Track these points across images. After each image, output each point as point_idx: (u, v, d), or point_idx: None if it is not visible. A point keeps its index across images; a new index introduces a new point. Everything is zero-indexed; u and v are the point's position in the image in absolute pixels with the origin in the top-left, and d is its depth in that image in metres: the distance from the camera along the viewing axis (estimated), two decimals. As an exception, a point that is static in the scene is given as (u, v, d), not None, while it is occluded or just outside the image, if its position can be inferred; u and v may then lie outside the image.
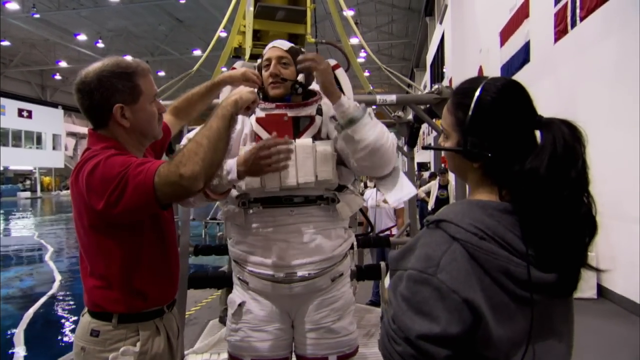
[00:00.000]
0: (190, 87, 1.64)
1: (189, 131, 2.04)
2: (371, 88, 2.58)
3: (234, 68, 1.83)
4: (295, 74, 1.52)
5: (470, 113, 0.76)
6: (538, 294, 0.70)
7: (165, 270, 1.25)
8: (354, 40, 18.81)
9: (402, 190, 1.52)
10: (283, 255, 1.42)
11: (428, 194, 7.66)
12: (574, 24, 5.33)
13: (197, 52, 19.56)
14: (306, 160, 1.40)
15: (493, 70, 8.13)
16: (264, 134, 1.46)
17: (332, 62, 1.99)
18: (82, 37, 19.24)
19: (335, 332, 1.48)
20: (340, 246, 1.52)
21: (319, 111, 1.52)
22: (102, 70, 1.16)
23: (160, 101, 1.33)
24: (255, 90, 1.55)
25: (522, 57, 7.08)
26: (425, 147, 1.19)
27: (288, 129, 1.45)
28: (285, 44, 1.54)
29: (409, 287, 0.70)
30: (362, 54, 20.61)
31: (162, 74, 23.21)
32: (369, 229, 2.62)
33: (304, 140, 1.43)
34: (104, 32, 19.26)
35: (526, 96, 0.77)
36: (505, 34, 7.84)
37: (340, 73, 1.93)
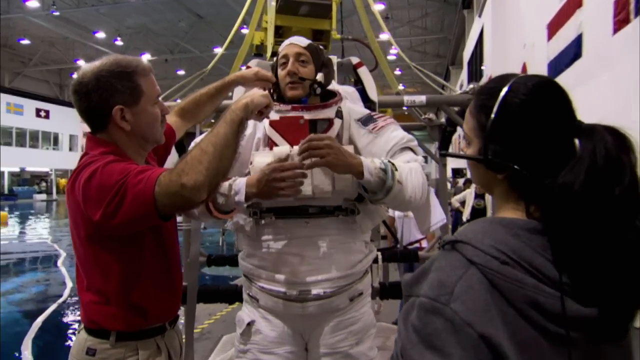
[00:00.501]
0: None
1: (201, 132, 2.05)
2: (400, 88, 2.53)
3: (249, 67, 1.84)
4: (314, 72, 1.50)
5: (492, 116, 0.71)
6: (576, 331, 0.63)
7: (167, 285, 1.25)
8: (384, 36, 18.88)
9: (433, 217, 1.49)
10: (296, 270, 1.40)
11: (463, 203, 7.48)
12: (638, 12, 5.07)
13: (218, 50, 19.91)
14: (323, 168, 1.37)
15: (539, 67, 7.88)
16: (278, 138, 1.45)
17: (355, 60, 1.98)
18: (100, 35, 20.00)
19: (353, 358, 1.44)
20: (360, 262, 1.49)
21: (339, 114, 1.50)
22: (101, 69, 1.16)
23: (165, 103, 1.34)
24: (270, 90, 1.54)
25: (573, 51, 6.82)
26: (443, 154, 1.15)
27: (304, 133, 1.43)
28: (304, 41, 1.53)
29: (420, 316, 0.66)
30: (393, 51, 20.55)
31: (181, 72, 23.80)
32: (395, 243, 2.57)
33: None
34: (123, 29, 19.95)
35: (563, 98, 0.72)
36: (554, 27, 7.59)
37: (363, 72, 1.91)
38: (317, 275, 1.40)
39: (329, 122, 1.46)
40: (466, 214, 7.15)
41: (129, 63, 1.19)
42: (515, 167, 0.70)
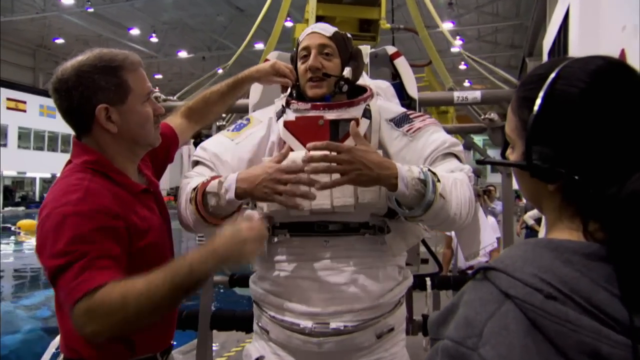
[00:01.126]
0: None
1: (219, 128, 2.05)
2: (452, 83, 2.42)
3: (268, 61, 1.82)
4: (340, 67, 1.44)
5: (535, 111, 0.63)
6: None
7: None
8: (447, 25, 18.54)
9: (481, 242, 1.39)
10: (312, 299, 1.34)
11: (538, 220, 7.12)
12: None
13: (260, 46, 20.47)
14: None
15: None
16: (294, 142, 1.40)
17: (391, 49, 1.91)
18: (135, 32, 21.13)
19: None
20: (391, 291, 1.41)
21: (367, 113, 1.43)
22: (82, 64, 1.15)
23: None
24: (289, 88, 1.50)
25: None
26: (479, 162, 1.06)
27: (323, 136, 1.37)
28: (329, 29, 1.47)
29: None
30: (457, 42, 20.12)
31: (220, 71, 24.61)
32: (438, 269, 2.44)
33: None
34: (158, 25, 20.96)
35: (634, 84, 0.62)
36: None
37: (401, 63, 1.83)
38: (337, 305, 1.33)
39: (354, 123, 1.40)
40: (542, 233, 6.79)
41: (114, 56, 1.18)
42: (570, 173, 0.61)
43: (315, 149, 1.17)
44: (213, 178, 1.32)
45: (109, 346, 1.13)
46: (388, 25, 4.82)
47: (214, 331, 2.57)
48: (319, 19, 5.25)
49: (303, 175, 1.22)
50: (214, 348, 4.13)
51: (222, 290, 7.21)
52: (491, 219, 4.51)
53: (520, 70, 19.91)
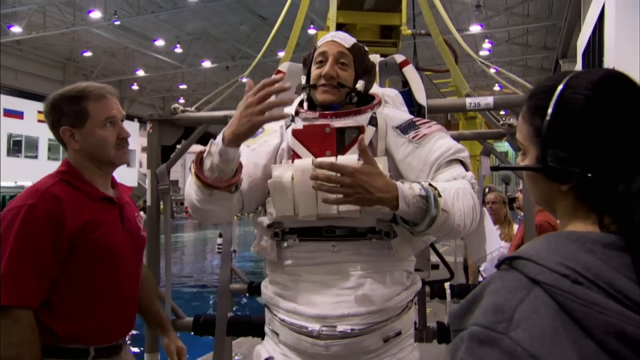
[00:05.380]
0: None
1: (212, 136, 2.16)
2: (468, 89, 2.46)
3: (279, 71, 1.90)
4: (353, 79, 1.50)
5: (548, 117, 0.71)
6: None
7: (88, 307, 1.47)
8: (475, 28, 18.33)
9: (488, 246, 1.44)
10: (320, 302, 1.40)
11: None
12: None
13: (282, 54, 20.67)
14: None
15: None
16: (301, 150, 1.47)
17: (400, 58, 1.97)
18: (160, 43, 21.70)
19: None
20: (398, 295, 1.45)
21: (373, 121, 1.49)
22: (57, 94, 1.52)
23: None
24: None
25: None
26: (494, 168, 1.12)
27: (330, 144, 1.44)
28: (349, 39, 1.53)
29: (472, 350, 0.63)
30: (486, 45, 19.85)
31: (245, 79, 24.91)
32: (450, 276, 2.45)
33: (348, 158, 1.40)
34: (183, 35, 21.49)
35: (634, 90, 0.72)
36: None
37: (409, 70, 1.89)
38: (344, 309, 1.38)
39: (360, 130, 1.46)
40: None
41: (84, 88, 1.52)
42: (584, 172, 0.69)
43: (320, 167, 1.23)
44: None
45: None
46: (409, 31, 4.85)
47: (236, 341, 2.64)
48: (340, 26, 5.31)
49: (272, 87, 1.25)
50: (235, 358, 4.20)
51: (245, 301, 7.32)
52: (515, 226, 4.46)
53: (554, 72, 19.48)
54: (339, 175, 1.21)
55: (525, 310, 0.61)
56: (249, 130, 1.26)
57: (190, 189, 1.38)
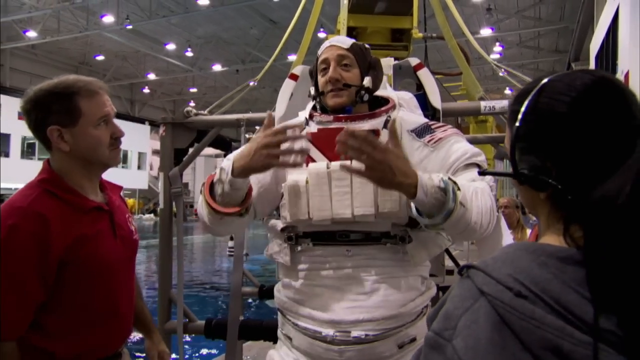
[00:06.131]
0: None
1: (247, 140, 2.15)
2: (482, 92, 2.44)
3: (293, 74, 1.90)
4: (360, 77, 1.50)
5: (517, 123, 0.69)
6: None
7: (86, 322, 1.36)
8: (486, 32, 18.26)
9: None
10: (334, 307, 1.39)
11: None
12: None
13: (293, 57, 20.70)
14: (364, 187, 1.36)
15: None
16: (316, 154, 1.46)
17: (414, 61, 1.95)
18: (171, 47, 21.88)
19: None
20: (413, 301, 1.44)
21: (388, 124, 1.48)
22: (41, 89, 1.33)
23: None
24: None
25: None
26: (481, 173, 1.11)
27: None
28: (346, 41, 1.53)
29: (425, 353, 0.65)
30: (497, 48, 19.74)
31: (252, 83, 25.06)
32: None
33: None
34: (194, 39, 21.64)
35: (617, 95, 0.67)
36: None
37: (423, 74, 1.88)
38: (358, 314, 1.37)
39: (375, 134, 1.45)
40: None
41: (71, 84, 1.34)
42: (551, 181, 0.66)
43: (353, 136, 1.14)
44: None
45: (28, 353, 1.27)
46: (420, 35, 4.82)
47: (246, 344, 2.64)
48: (350, 29, 5.31)
49: (292, 132, 1.25)
50: (245, 361, 4.20)
51: (255, 303, 7.32)
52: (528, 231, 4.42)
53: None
54: (369, 147, 1.14)
55: (468, 320, 0.62)
56: (261, 168, 1.27)
57: (202, 209, 1.40)
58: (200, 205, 1.40)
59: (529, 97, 0.70)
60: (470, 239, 1.36)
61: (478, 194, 1.28)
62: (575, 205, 0.64)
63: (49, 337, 1.30)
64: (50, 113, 1.32)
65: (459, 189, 1.22)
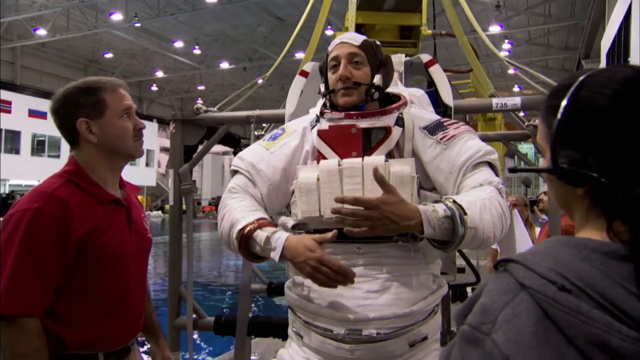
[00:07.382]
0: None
1: (257, 138, 2.12)
2: (493, 90, 2.41)
3: (304, 71, 1.88)
4: (370, 75, 1.48)
5: (558, 116, 0.68)
6: None
7: (98, 312, 1.42)
8: (495, 28, 18.11)
9: (519, 248, 1.41)
10: (345, 305, 1.37)
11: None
12: None
13: (300, 55, 20.72)
14: (375, 185, 1.34)
15: None
16: (327, 151, 1.45)
17: (426, 57, 1.93)
18: (179, 44, 21.95)
19: None
20: (425, 299, 1.42)
21: (399, 121, 1.46)
22: (69, 87, 1.45)
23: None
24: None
25: None
26: (512, 170, 1.10)
27: (356, 144, 1.42)
28: (358, 38, 1.52)
29: (460, 347, 0.64)
30: (506, 46, 19.59)
31: (260, 81, 25.09)
32: (476, 279, 2.40)
33: (375, 159, 1.38)
34: (201, 37, 21.69)
35: None
36: None
37: (435, 71, 1.86)
38: (370, 312, 1.36)
39: (386, 131, 1.43)
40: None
41: (97, 80, 1.47)
42: (594, 175, 0.65)
43: (343, 202, 1.24)
44: (259, 223, 1.37)
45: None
46: (429, 32, 4.79)
47: (254, 341, 2.64)
48: (359, 26, 5.28)
49: (337, 276, 1.27)
50: (252, 358, 4.20)
51: (262, 302, 7.33)
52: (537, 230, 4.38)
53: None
54: (362, 209, 1.22)
55: (509, 314, 0.61)
56: (303, 275, 1.33)
57: (229, 242, 1.43)
58: (228, 237, 1.43)
59: (570, 91, 0.69)
60: (487, 248, 1.37)
61: (486, 206, 1.28)
62: (619, 199, 0.64)
63: (60, 324, 1.36)
64: (78, 107, 1.42)
65: (465, 213, 1.24)
